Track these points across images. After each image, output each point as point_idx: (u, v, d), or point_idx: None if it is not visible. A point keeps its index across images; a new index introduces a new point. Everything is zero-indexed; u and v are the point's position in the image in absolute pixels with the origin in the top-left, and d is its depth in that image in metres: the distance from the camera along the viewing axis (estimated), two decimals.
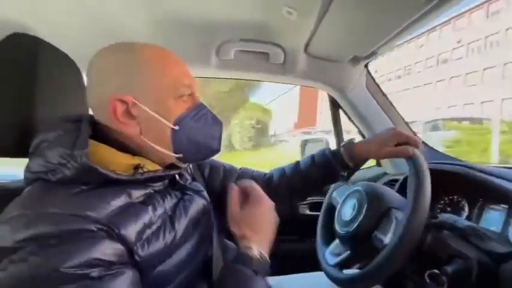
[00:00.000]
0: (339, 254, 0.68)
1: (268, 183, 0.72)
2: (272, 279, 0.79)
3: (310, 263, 0.81)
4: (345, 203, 0.74)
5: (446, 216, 0.60)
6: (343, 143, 0.70)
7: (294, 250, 1.15)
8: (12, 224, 0.36)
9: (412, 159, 0.59)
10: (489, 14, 16.67)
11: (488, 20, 16.69)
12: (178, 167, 0.53)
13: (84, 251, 0.35)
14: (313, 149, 1.23)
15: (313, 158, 0.71)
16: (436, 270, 0.54)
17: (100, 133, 0.47)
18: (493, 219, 0.69)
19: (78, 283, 0.34)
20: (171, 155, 0.49)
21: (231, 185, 0.55)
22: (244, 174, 0.75)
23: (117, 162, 0.45)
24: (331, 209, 0.80)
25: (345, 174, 0.70)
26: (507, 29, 15.44)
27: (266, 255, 0.49)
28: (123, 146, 0.47)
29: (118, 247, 0.38)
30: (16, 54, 0.52)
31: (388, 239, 0.58)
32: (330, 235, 0.76)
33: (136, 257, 0.41)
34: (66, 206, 0.38)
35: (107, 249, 0.37)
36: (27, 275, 0.33)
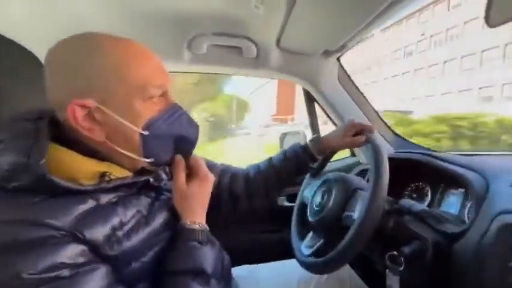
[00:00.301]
0: (313, 245, 0.71)
1: (246, 179, 0.73)
2: (251, 267, 0.82)
3: (289, 252, 0.83)
4: (316, 194, 0.76)
5: (405, 201, 0.64)
6: (311, 137, 0.75)
7: (272, 240, 1.18)
8: None
9: (369, 142, 0.64)
10: (450, 8, 17.69)
11: (449, 13, 17.70)
12: (149, 172, 0.50)
13: (50, 255, 0.34)
14: (291, 141, 1.25)
15: (284, 152, 0.74)
16: (395, 252, 0.57)
17: (63, 134, 0.43)
18: (452, 202, 0.75)
19: (49, 285, 0.33)
20: (140, 160, 0.46)
21: (178, 158, 0.52)
22: (226, 170, 0.75)
23: (81, 169, 0.42)
24: (303, 206, 0.82)
25: (314, 166, 0.76)
26: (465, 22, 16.52)
27: (206, 226, 0.51)
28: (88, 150, 0.43)
29: (85, 248, 0.37)
30: None
31: (356, 213, 0.61)
32: (304, 231, 0.79)
33: (104, 256, 0.39)
34: (28, 214, 0.35)
35: (74, 251, 0.36)
36: None
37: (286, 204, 1.16)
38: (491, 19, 0.49)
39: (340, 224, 0.65)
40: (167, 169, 0.62)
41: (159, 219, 0.48)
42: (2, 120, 0.45)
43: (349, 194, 0.68)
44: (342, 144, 0.72)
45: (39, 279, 0.33)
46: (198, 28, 0.84)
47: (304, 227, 0.79)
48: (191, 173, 0.53)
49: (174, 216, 0.51)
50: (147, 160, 0.46)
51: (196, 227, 0.49)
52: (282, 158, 0.73)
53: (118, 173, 0.45)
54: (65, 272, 0.34)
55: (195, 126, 0.51)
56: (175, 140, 0.48)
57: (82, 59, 0.40)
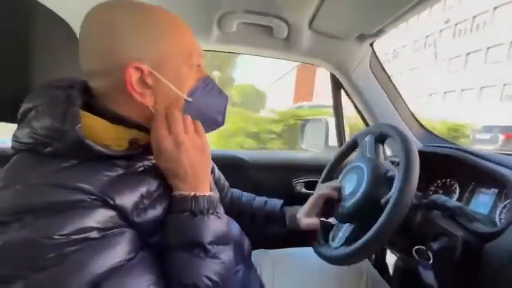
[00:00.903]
0: (341, 236, 0.69)
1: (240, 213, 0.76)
2: (271, 252, 0.82)
3: (297, 240, 0.83)
4: (345, 181, 0.73)
5: (436, 196, 0.62)
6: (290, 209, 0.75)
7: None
8: (3, 194, 0.35)
9: (399, 135, 0.61)
10: None
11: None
12: None
13: (79, 219, 0.35)
14: (312, 129, 1.23)
15: (265, 202, 0.77)
16: (422, 247, 0.57)
17: (93, 102, 0.43)
18: (482, 202, 0.73)
19: (78, 245, 0.34)
20: None
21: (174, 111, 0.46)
22: (235, 198, 0.79)
23: (111, 136, 0.42)
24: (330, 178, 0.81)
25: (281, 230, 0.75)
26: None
27: (206, 193, 0.46)
28: (117, 117, 0.43)
29: (114, 214, 0.38)
30: (9, 17, 0.48)
31: (391, 193, 0.57)
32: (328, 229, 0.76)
33: (132, 223, 0.40)
34: (60, 178, 0.36)
35: (103, 216, 0.36)
36: (19, 244, 0.32)
37: (304, 191, 1.15)
38: None
39: (376, 207, 0.62)
40: None
41: None
42: (34, 87, 0.47)
43: (382, 175, 0.64)
44: (307, 225, 0.71)
45: (69, 240, 0.33)
46: (229, 4, 0.80)
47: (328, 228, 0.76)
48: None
49: None
50: None
51: (189, 194, 0.44)
52: (262, 205, 0.76)
53: (146, 139, 0.45)
54: (94, 234, 0.35)
55: (225, 97, 0.53)
56: (209, 109, 0.50)
57: (137, 23, 0.41)
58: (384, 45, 21.84)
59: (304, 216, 0.71)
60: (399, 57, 22.43)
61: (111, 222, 0.37)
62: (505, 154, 0.82)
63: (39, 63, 0.51)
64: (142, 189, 0.42)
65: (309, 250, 0.71)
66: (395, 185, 0.54)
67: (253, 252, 0.72)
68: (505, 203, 0.65)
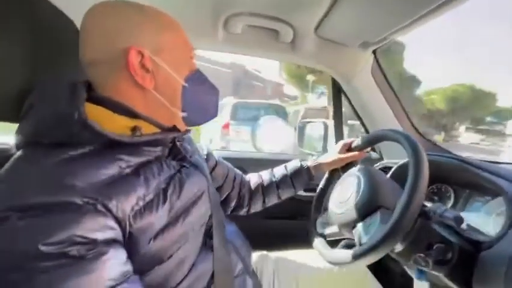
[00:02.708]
0: (326, 226, 0.73)
1: (251, 188, 0.83)
2: (262, 254, 0.84)
3: (298, 241, 0.85)
4: (343, 182, 0.75)
5: (437, 205, 0.64)
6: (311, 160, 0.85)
7: (282, 228, 1.20)
8: None
9: (412, 148, 0.61)
10: None
11: None
12: (177, 130, 0.51)
13: (67, 226, 0.33)
14: (311, 132, 1.24)
15: (285, 167, 0.85)
16: (421, 254, 0.58)
17: (93, 98, 0.44)
18: (476, 209, 0.75)
19: (55, 261, 0.31)
20: (178, 113, 0.50)
21: None
22: (238, 175, 0.83)
23: (114, 123, 0.43)
24: (332, 178, 0.86)
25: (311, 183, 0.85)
26: None
27: None
28: (120, 108, 0.45)
29: (106, 221, 0.36)
30: (11, 12, 0.47)
31: (365, 239, 0.59)
32: (325, 206, 0.81)
33: (129, 229, 0.39)
34: (54, 174, 0.35)
35: (93, 225, 0.34)
36: (5, 247, 0.31)
37: (303, 193, 1.17)
38: None
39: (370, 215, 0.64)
40: (193, 142, 0.65)
41: (178, 194, 0.47)
42: (39, 82, 0.47)
43: (371, 208, 0.64)
44: (339, 162, 0.80)
45: (52, 252, 0.31)
46: (236, 6, 0.81)
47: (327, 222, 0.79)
48: None
49: (195, 196, 0.51)
50: (183, 114, 0.51)
51: None
52: (283, 172, 0.83)
53: (148, 129, 0.46)
54: (74, 251, 0.32)
55: (217, 90, 0.57)
56: (204, 98, 0.54)
57: (137, 14, 0.45)
58: None
59: (336, 155, 0.81)
60: None
61: (102, 231, 0.35)
62: (496, 163, 0.85)
63: (43, 61, 0.51)
64: (138, 189, 0.41)
65: (310, 252, 0.72)
66: (406, 190, 0.55)
67: (254, 254, 0.73)
68: (498, 210, 0.68)
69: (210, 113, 0.56)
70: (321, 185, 0.86)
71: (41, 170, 0.35)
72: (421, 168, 0.55)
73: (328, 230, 0.72)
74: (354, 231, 0.64)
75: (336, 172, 0.85)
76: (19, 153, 0.39)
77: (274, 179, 0.83)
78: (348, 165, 0.83)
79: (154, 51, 0.45)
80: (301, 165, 0.83)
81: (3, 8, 0.46)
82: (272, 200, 0.84)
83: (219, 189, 0.75)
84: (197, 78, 0.52)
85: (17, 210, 0.32)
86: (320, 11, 0.77)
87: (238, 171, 0.83)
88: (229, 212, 0.81)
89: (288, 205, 1.15)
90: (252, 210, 0.84)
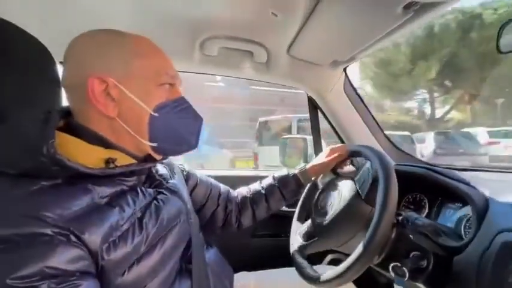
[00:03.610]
0: (308, 238, 0.72)
1: (238, 203, 0.80)
2: (244, 275, 0.82)
3: (282, 260, 0.84)
4: (326, 192, 0.76)
5: (408, 214, 0.66)
6: (299, 168, 0.82)
7: (266, 246, 1.18)
8: None
9: (377, 155, 0.64)
10: None
11: None
12: (153, 160, 0.51)
13: (37, 258, 0.32)
14: (292, 147, 1.26)
15: (273, 178, 0.82)
16: (398, 263, 0.60)
17: (72, 125, 0.45)
18: (449, 216, 0.78)
19: None
20: (145, 143, 0.48)
21: None
22: (224, 192, 0.80)
23: (87, 155, 0.43)
24: (314, 188, 0.84)
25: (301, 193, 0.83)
26: None
27: None
28: (95, 137, 0.44)
29: (78, 253, 0.35)
30: None
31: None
32: (306, 215, 0.80)
33: (102, 262, 0.38)
34: (23, 206, 0.34)
35: (65, 256, 0.34)
36: None
37: (285, 209, 1.17)
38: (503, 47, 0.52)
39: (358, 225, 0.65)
40: (172, 165, 0.64)
41: (155, 222, 0.46)
42: (13, 111, 0.45)
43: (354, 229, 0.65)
44: (326, 166, 0.78)
45: (18, 287, 0.30)
46: (211, 30, 0.84)
47: (307, 211, 0.81)
48: None
49: (172, 222, 0.51)
50: (151, 144, 0.48)
51: None
52: (271, 182, 0.80)
53: (122, 160, 0.46)
54: (44, 285, 0.31)
55: (199, 120, 0.54)
56: (179, 129, 0.51)
57: (106, 43, 0.46)
58: None
59: (324, 160, 0.78)
60: None
61: (74, 263, 0.35)
62: (468, 170, 0.90)
63: (16, 90, 0.50)
64: (113, 221, 0.40)
65: (292, 270, 0.71)
66: (377, 204, 0.56)
67: (236, 275, 0.71)
68: (468, 216, 0.71)
69: (188, 143, 0.53)
70: (303, 195, 0.87)
71: (10, 201, 0.34)
72: (390, 190, 0.57)
73: (308, 242, 0.72)
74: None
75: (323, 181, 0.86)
76: None
77: (262, 191, 0.80)
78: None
79: (120, 78, 0.45)
80: (288, 173, 0.81)
81: None
82: (262, 213, 0.81)
83: (202, 207, 0.74)
84: (174, 107, 0.49)
85: None
86: (291, 32, 0.81)
87: (224, 187, 0.81)
88: (219, 230, 0.78)
89: (271, 222, 1.14)
90: (244, 226, 0.80)
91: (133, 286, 0.42)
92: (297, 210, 0.84)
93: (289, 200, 0.82)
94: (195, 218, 0.61)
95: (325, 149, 0.82)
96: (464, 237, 0.69)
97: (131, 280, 0.41)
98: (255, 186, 0.83)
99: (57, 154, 0.37)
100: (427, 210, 0.85)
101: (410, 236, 0.63)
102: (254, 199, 0.80)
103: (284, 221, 0.90)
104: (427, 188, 0.85)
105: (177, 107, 0.50)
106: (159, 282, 0.45)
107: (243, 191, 0.83)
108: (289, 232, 0.86)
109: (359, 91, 1.10)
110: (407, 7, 0.60)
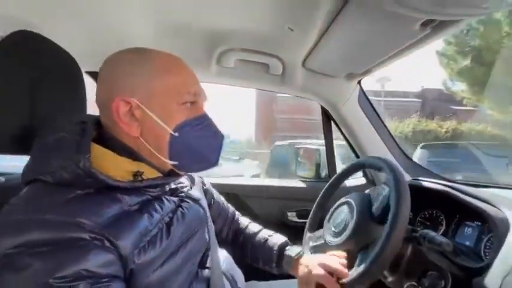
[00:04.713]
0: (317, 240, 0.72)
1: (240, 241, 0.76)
2: (254, 284, 0.82)
3: None
4: (337, 211, 0.75)
5: (425, 231, 0.64)
6: (297, 252, 0.69)
7: None
8: (6, 228, 0.36)
9: (390, 168, 0.62)
10: None
11: None
12: (177, 174, 0.53)
13: (75, 261, 0.35)
14: (306, 157, 1.27)
15: (266, 239, 0.73)
16: (414, 283, 0.58)
17: (104, 135, 0.48)
18: (467, 234, 0.76)
19: None
20: (166, 162, 0.49)
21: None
22: (234, 222, 0.78)
23: (118, 167, 0.45)
24: (325, 202, 0.82)
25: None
26: None
27: None
28: (124, 149, 0.47)
29: (110, 257, 0.38)
30: (20, 51, 0.51)
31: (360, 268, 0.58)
32: (318, 224, 0.79)
33: (132, 265, 0.41)
34: (61, 212, 0.37)
35: (99, 260, 0.37)
36: (17, 282, 0.33)
37: (296, 220, 1.16)
38: None
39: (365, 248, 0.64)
40: (193, 176, 0.65)
41: (180, 227, 0.49)
42: (43, 119, 0.50)
43: (361, 246, 0.63)
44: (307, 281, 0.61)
45: (61, 286, 0.33)
46: (229, 43, 0.87)
47: (320, 220, 0.78)
48: None
49: (194, 229, 0.53)
50: (171, 162, 0.49)
51: None
52: (262, 243, 0.72)
53: (149, 173, 0.48)
54: (81, 285, 0.34)
55: (220, 137, 0.54)
56: (200, 147, 0.51)
57: (131, 65, 0.47)
58: None
59: (308, 275, 0.61)
60: None
61: (106, 267, 0.37)
62: (485, 186, 0.87)
63: (46, 97, 0.53)
64: (142, 227, 0.43)
65: (286, 283, 0.71)
66: (389, 219, 0.56)
67: (246, 284, 0.71)
68: (489, 236, 0.68)
69: (208, 161, 0.53)
70: (314, 208, 0.86)
71: (51, 208, 0.37)
72: (402, 202, 0.56)
73: (316, 243, 0.71)
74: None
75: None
76: (28, 189, 0.42)
77: (257, 246, 0.73)
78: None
79: (143, 99, 0.46)
80: (276, 248, 0.70)
81: (7, 46, 0.50)
82: (248, 260, 0.75)
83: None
84: (195, 125, 0.49)
85: (28, 246, 0.34)
86: (307, 46, 0.83)
87: (232, 212, 0.80)
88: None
89: (282, 233, 1.14)
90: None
91: (158, 286, 0.44)
92: (308, 221, 0.83)
93: (273, 271, 0.72)
94: (212, 227, 0.64)
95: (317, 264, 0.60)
96: (484, 258, 0.67)
97: (155, 281, 0.43)
98: (260, 239, 0.74)
99: (92, 168, 0.40)
100: (444, 228, 0.82)
101: (427, 254, 0.61)
102: (253, 249, 0.73)
103: (295, 232, 0.90)
104: (444, 204, 0.83)
105: (198, 125, 0.50)
106: (177, 285, 0.47)
107: (247, 230, 0.77)
108: (300, 243, 0.85)
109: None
110: (425, 24, 0.60)
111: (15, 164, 0.70)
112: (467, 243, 0.73)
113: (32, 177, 0.42)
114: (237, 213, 0.82)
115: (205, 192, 0.73)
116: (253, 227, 0.78)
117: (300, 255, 0.67)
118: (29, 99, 0.50)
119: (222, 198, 0.80)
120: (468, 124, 8.47)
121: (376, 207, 0.65)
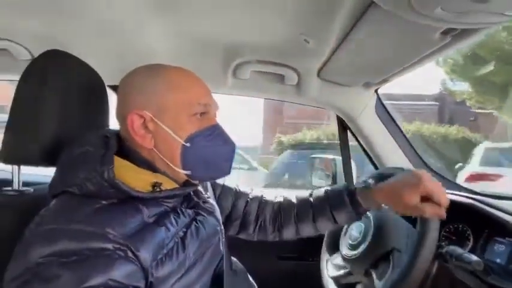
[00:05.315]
0: (339, 268, 0.69)
1: (277, 210, 0.72)
2: None
3: (310, 283, 0.81)
4: (352, 228, 0.74)
5: (452, 248, 0.61)
6: (364, 183, 0.66)
7: (293, 269, 1.15)
8: (37, 238, 0.38)
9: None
10: None
11: None
12: (193, 185, 0.54)
13: (103, 271, 0.36)
14: (322, 166, 1.24)
15: (326, 192, 0.68)
16: None
17: (124, 148, 0.50)
18: (498, 251, 0.71)
19: None
20: (180, 172, 0.51)
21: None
22: (254, 199, 0.74)
23: (138, 178, 0.47)
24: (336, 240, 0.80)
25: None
26: None
27: None
28: (143, 162, 0.50)
29: (133, 268, 0.39)
30: (49, 69, 0.55)
31: (380, 284, 0.57)
32: (336, 245, 0.77)
33: (151, 278, 0.41)
34: (89, 222, 0.39)
35: (124, 271, 0.38)
36: None
37: None
38: None
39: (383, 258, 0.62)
40: (206, 188, 0.65)
41: (195, 241, 0.50)
42: (70, 133, 0.54)
43: (382, 252, 0.63)
44: (399, 208, 0.58)
45: None
46: (245, 56, 0.88)
47: (337, 241, 0.77)
48: None
49: (209, 242, 0.53)
50: (185, 172, 0.51)
51: None
52: (322, 197, 0.68)
53: (167, 184, 0.50)
54: None
55: (231, 145, 0.55)
56: (212, 157, 0.53)
57: (144, 80, 0.51)
58: None
59: (400, 199, 0.56)
60: None
61: (130, 277, 0.38)
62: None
63: (73, 111, 0.57)
64: (160, 239, 0.44)
65: None
66: (418, 235, 0.54)
67: None
68: None
69: (221, 169, 0.55)
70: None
71: (79, 218, 0.39)
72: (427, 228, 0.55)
73: (340, 273, 0.70)
74: (368, 276, 0.62)
75: None
76: (57, 201, 0.44)
77: (310, 209, 0.68)
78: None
79: (155, 112, 0.49)
80: (342, 190, 0.66)
81: (41, 64, 0.55)
82: (307, 232, 0.69)
83: (229, 216, 0.71)
84: (206, 136, 0.51)
85: (57, 255, 0.36)
86: (323, 56, 0.83)
87: (254, 195, 0.74)
88: (254, 237, 0.73)
89: (298, 244, 1.12)
90: (285, 238, 0.71)
91: None
92: (326, 235, 0.82)
93: (343, 224, 0.68)
94: (226, 239, 0.64)
95: (409, 170, 0.61)
96: None
97: None
98: (303, 196, 0.71)
99: (116, 179, 0.42)
100: (471, 244, 0.78)
101: (454, 272, 0.58)
102: (299, 214, 0.69)
103: (313, 243, 0.87)
104: (471, 218, 0.79)
105: (209, 135, 0.52)
106: None
107: (286, 199, 0.73)
108: (317, 256, 0.83)
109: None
110: (445, 33, 0.58)
111: (41, 173, 0.75)
112: (498, 260, 0.69)
113: (60, 189, 0.44)
114: (251, 195, 0.73)
115: (214, 186, 0.71)
116: (302, 195, 0.72)
117: (374, 183, 0.63)
118: (58, 114, 0.54)
119: (234, 186, 0.74)
120: None
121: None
